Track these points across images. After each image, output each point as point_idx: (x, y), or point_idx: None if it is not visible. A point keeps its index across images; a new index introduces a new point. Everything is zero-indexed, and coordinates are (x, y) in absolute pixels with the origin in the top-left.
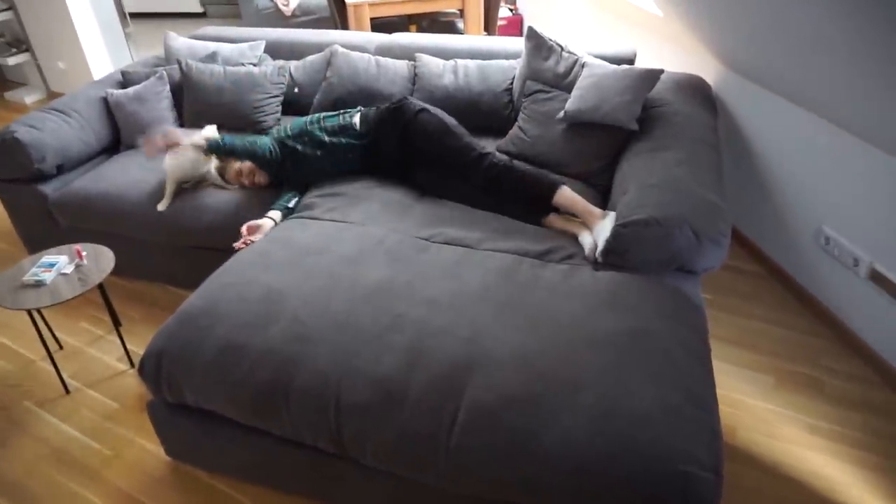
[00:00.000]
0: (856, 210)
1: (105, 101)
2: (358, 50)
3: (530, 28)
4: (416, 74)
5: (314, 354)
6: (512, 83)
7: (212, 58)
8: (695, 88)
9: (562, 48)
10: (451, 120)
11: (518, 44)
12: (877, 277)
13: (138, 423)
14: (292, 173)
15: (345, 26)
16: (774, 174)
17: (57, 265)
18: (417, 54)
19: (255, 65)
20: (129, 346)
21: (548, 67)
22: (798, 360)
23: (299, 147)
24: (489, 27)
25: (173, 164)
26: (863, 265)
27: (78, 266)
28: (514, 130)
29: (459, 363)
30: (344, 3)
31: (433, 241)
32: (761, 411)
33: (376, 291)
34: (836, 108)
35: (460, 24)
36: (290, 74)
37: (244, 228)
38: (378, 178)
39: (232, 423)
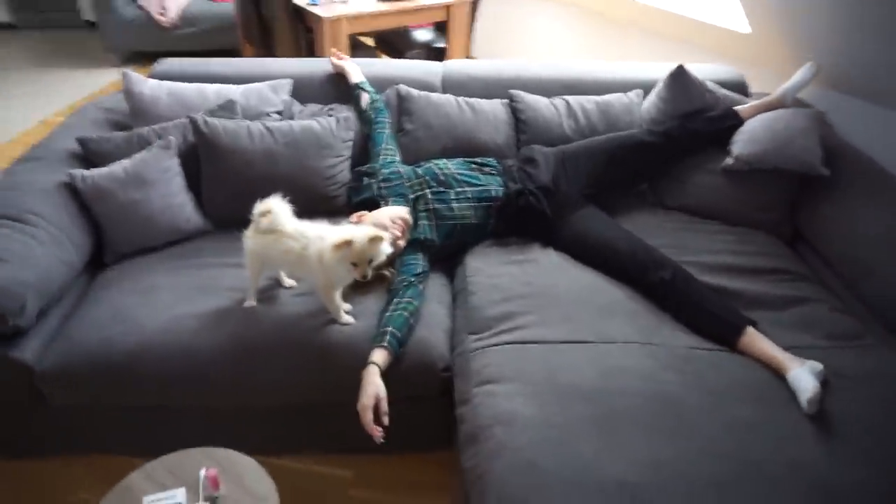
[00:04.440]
0: None
1: (72, 189)
2: (416, 86)
3: (680, 67)
4: (519, 119)
5: None
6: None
7: (229, 109)
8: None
9: (706, 88)
10: (604, 222)
11: (619, 70)
12: None
13: None
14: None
15: (266, 46)
16: None
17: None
18: (513, 91)
19: (279, 113)
20: None
21: (697, 108)
22: None
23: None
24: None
25: (254, 245)
26: None
27: (212, 499)
28: (666, 181)
29: None
30: (260, 16)
31: (681, 350)
32: None
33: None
34: None
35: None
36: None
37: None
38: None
39: None
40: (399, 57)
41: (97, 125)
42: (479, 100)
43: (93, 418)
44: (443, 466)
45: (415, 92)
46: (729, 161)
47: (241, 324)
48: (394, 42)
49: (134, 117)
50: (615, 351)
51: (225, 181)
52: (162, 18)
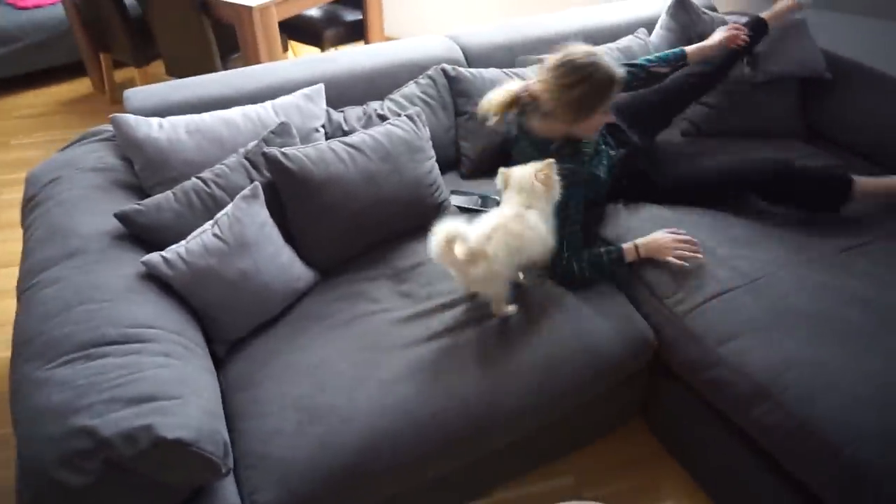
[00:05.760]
0: None
1: (154, 279)
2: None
3: None
4: None
5: None
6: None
7: (286, 133)
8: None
9: (701, 11)
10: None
11: (613, 13)
12: None
13: None
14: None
15: (140, 54)
16: None
17: None
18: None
19: (324, 126)
20: None
21: (700, 33)
22: None
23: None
24: None
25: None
26: None
27: None
28: (693, 108)
29: None
30: (125, 17)
31: (838, 257)
32: None
33: None
34: None
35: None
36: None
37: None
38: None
39: None
40: (317, 41)
41: (105, 192)
42: (523, 69)
43: None
44: (644, 436)
45: (464, 70)
46: (756, 77)
47: (450, 370)
48: (298, 27)
49: (150, 170)
50: (795, 275)
51: (324, 220)
52: None
